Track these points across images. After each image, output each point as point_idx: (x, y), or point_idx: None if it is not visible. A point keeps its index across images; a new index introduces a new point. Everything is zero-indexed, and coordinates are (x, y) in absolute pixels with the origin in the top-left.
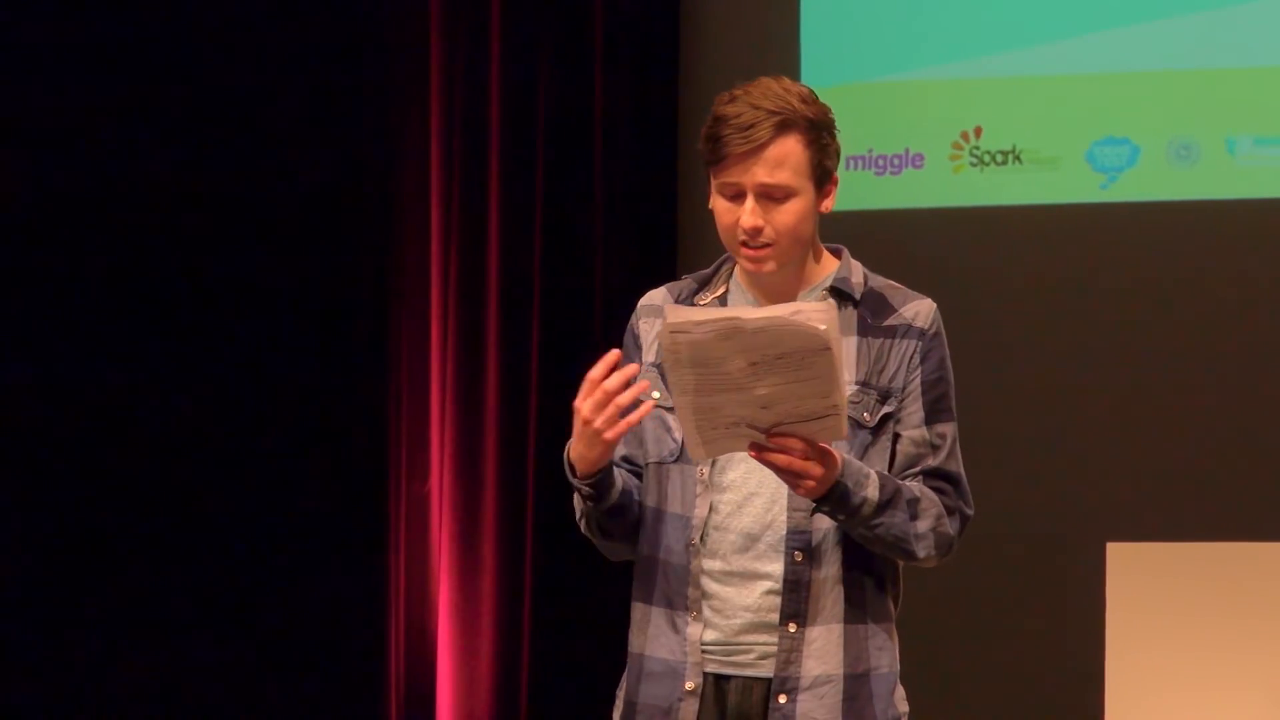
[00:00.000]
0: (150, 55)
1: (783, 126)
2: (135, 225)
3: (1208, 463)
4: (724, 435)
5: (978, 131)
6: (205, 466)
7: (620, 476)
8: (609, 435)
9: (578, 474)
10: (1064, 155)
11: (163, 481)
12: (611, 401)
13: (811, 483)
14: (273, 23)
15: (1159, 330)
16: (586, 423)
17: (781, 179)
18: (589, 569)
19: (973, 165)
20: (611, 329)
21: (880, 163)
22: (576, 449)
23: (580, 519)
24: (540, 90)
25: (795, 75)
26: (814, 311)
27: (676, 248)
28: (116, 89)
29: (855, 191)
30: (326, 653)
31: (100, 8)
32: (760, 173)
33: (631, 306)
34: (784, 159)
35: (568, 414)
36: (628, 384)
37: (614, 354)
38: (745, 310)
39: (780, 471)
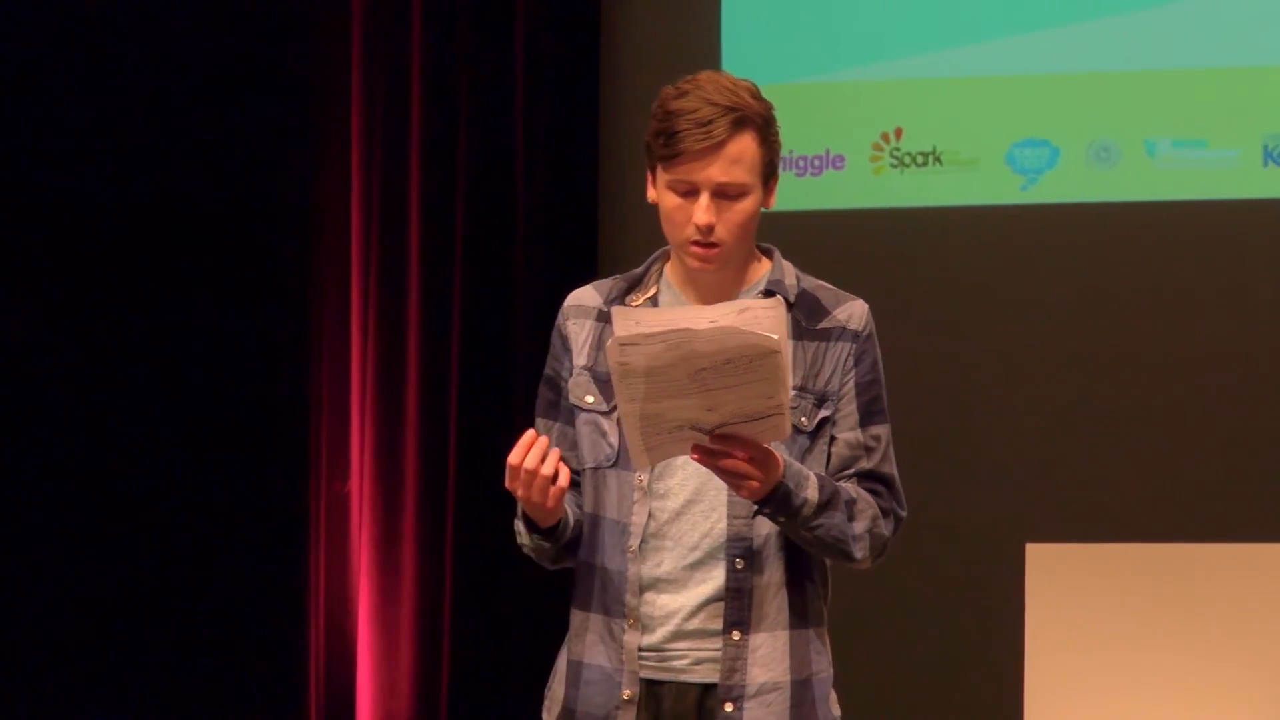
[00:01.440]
0: (58, 50)
1: (739, 124)
2: (49, 219)
3: (1126, 465)
4: (668, 440)
5: (898, 133)
6: (124, 466)
7: (571, 512)
8: (550, 504)
9: (540, 526)
10: (984, 157)
11: (80, 480)
12: (537, 476)
13: (755, 484)
14: (192, 14)
15: (1078, 331)
16: (525, 499)
17: (738, 177)
18: (509, 570)
19: (893, 166)
20: (533, 328)
21: (801, 164)
22: (529, 514)
23: (525, 549)
24: (461, 92)
25: None
26: (762, 311)
27: (597, 246)
28: (39, 86)
29: (776, 193)
30: (245, 654)
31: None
32: (717, 171)
33: (553, 305)
34: (740, 157)
35: (488, 416)
36: (544, 454)
37: (529, 434)
38: (693, 318)
39: (724, 474)
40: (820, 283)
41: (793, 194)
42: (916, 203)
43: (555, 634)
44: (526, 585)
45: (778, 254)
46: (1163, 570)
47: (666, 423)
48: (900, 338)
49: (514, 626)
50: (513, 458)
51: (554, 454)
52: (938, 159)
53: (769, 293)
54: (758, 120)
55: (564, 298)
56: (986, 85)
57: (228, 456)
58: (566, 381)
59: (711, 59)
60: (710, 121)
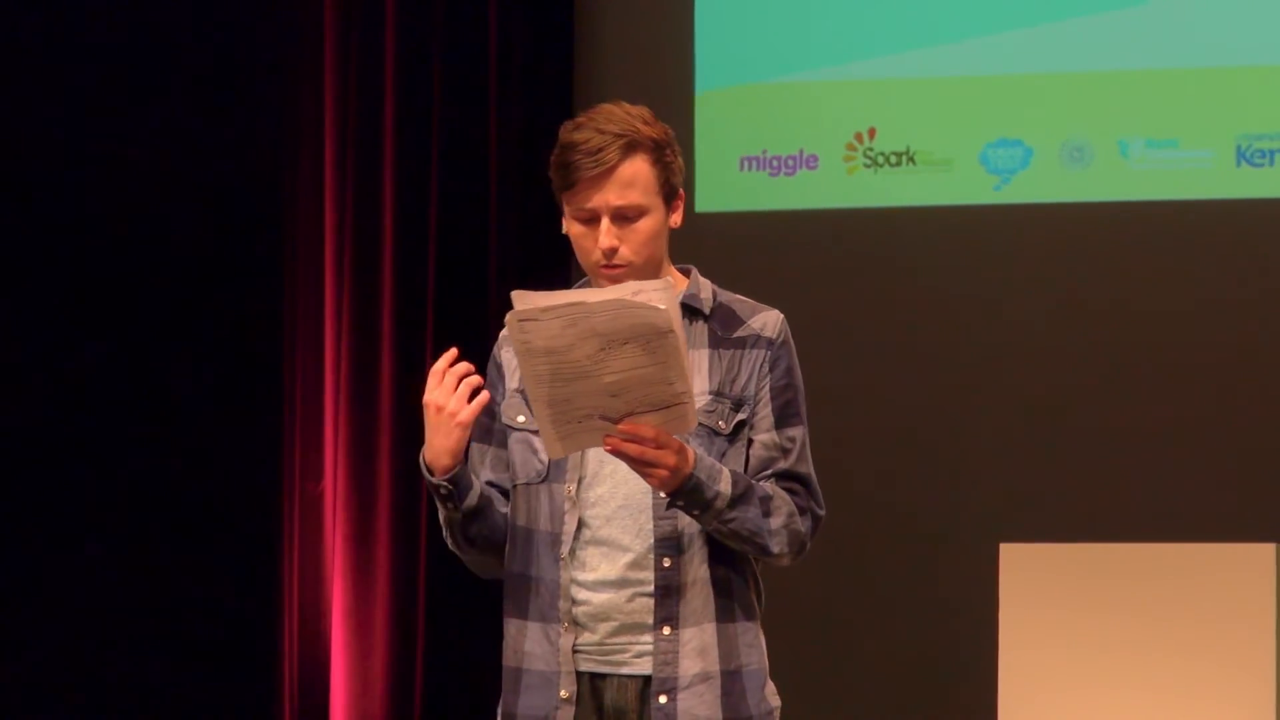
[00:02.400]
0: (40, 53)
1: (629, 148)
2: (18, 209)
3: (1100, 465)
4: (579, 429)
5: (871, 133)
6: (96, 468)
7: (478, 484)
8: (463, 417)
9: (435, 473)
10: (957, 157)
11: (51, 480)
12: (461, 382)
13: (664, 472)
14: (166, 27)
15: (1051, 332)
16: (439, 410)
17: (633, 199)
18: None
19: (867, 166)
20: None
21: (774, 164)
22: (432, 445)
23: (446, 533)
24: (434, 88)
25: (689, 78)
26: (654, 291)
27: (571, 252)
28: (14, 84)
29: (750, 192)
30: (218, 654)
31: None
32: (612, 195)
33: None
34: (633, 179)
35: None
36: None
37: (453, 351)
38: (589, 293)
39: (632, 462)
40: (737, 296)
41: (766, 194)
42: (890, 203)
43: None
44: (499, 584)
45: (695, 271)
46: (1137, 570)
47: (575, 410)
48: (873, 337)
49: (487, 626)
50: (437, 365)
51: (476, 378)
52: (911, 159)
53: (684, 305)
54: (648, 144)
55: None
56: (960, 85)
57: (201, 457)
58: (500, 406)
59: (685, 59)
60: (600, 149)
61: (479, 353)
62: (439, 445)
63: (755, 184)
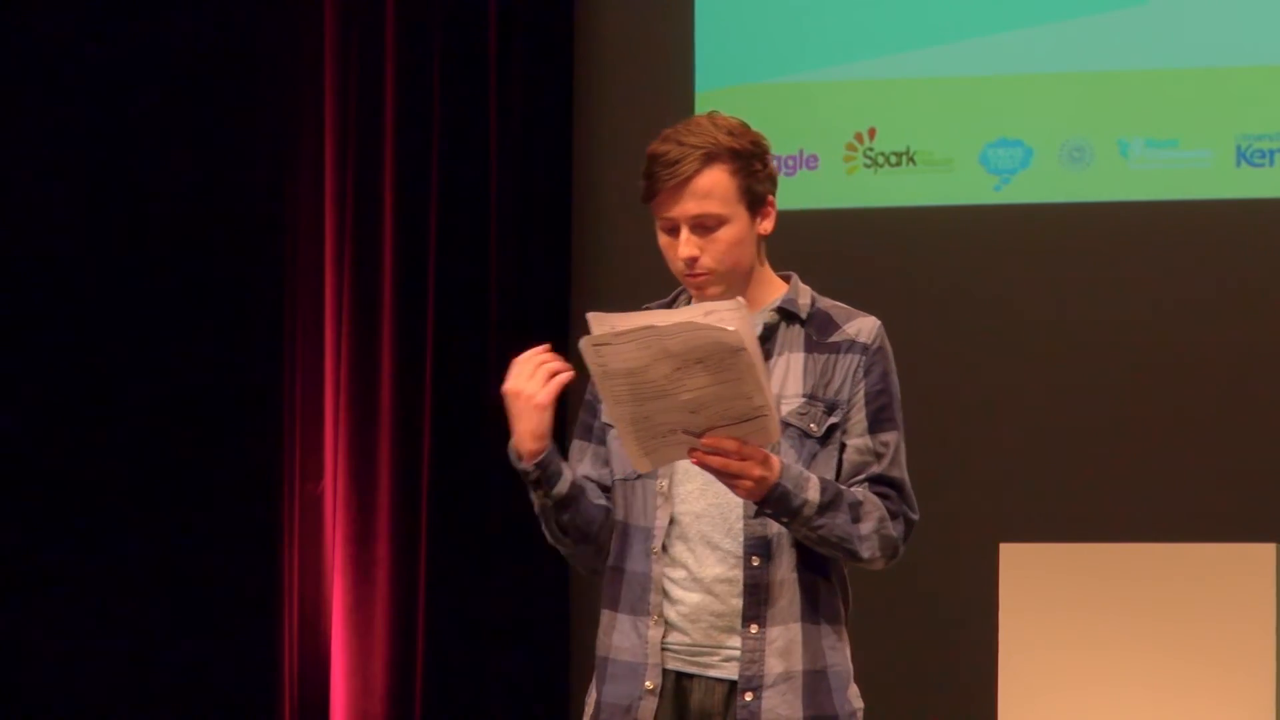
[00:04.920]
0: (36, 50)
1: (707, 159)
2: (19, 216)
3: (1099, 465)
4: (663, 444)
5: (872, 133)
6: (99, 468)
7: (570, 473)
8: (541, 398)
9: (522, 458)
10: (957, 157)
11: (53, 476)
12: (541, 366)
13: (749, 483)
14: (167, 27)
15: (1051, 332)
16: (518, 395)
17: (710, 208)
18: (482, 570)
19: (867, 166)
20: (506, 327)
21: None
22: (515, 431)
23: (542, 524)
24: (434, 89)
25: (689, 77)
26: (725, 312)
27: (570, 243)
28: (16, 82)
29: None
30: (219, 654)
31: None
32: (690, 205)
33: (527, 303)
34: (711, 189)
35: (462, 416)
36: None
37: (545, 346)
38: (660, 315)
39: (718, 474)
40: (836, 303)
41: None
42: (890, 203)
43: (528, 633)
44: (499, 585)
45: (796, 278)
46: (1137, 570)
47: (657, 426)
48: None
49: (487, 626)
50: (520, 356)
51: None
52: (911, 159)
53: (780, 310)
54: (727, 154)
55: (537, 296)
56: (960, 85)
57: (201, 458)
58: (601, 404)
59: (685, 59)
60: (679, 161)
61: (479, 352)
62: (521, 429)
63: None
